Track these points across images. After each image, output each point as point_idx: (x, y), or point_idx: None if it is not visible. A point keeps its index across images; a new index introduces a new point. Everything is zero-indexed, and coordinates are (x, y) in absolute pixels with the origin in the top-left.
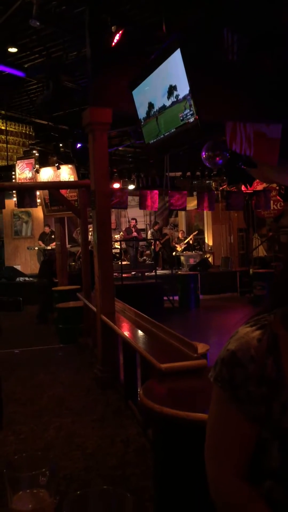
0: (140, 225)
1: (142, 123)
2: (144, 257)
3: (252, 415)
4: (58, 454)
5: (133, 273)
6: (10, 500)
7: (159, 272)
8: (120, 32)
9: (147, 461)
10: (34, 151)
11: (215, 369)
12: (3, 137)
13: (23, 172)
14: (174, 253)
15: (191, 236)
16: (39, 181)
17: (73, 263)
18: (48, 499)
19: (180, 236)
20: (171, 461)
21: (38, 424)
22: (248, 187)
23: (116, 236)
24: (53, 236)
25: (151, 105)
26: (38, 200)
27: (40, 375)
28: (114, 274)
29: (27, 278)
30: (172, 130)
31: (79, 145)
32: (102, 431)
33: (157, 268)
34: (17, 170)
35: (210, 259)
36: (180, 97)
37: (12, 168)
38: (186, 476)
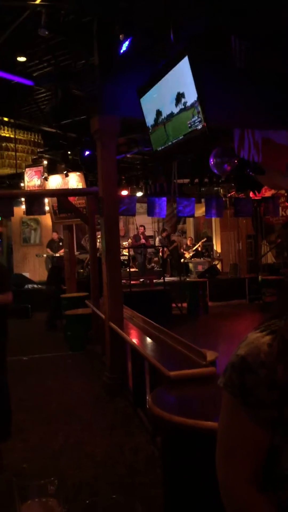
0: (148, 232)
1: (150, 131)
2: (153, 264)
3: (263, 421)
4: (67, 462)
5: (141, 280)
6: (19, 510)
7: (167, 279)
8: (128, 40)
9: (156, 469)
10: (43, 159)
11: (225, 375)
12: (12, 145)
13: (31, 180)
14: (182, 260)
15: (199, 243)
16: (47, 188)
17: (81, 270)
18: (57, 509)
19: (188, 243)
20: (180, 469)
21: (46, 432)
22: (257, 193)
23: (124, 243)
24: (61, 243)
25: (159, 113)
26: (47, 208)
27: (48, 383)
28: (123, 281)
29: (35, 285)
30: (180, 137)
31: (87, 152)
32: (111, 439)
33: (165, 275)
34: (26, 178)
35: (218, 266)
36: (188, 104)
37: (21, 176)
38: (195, 485)
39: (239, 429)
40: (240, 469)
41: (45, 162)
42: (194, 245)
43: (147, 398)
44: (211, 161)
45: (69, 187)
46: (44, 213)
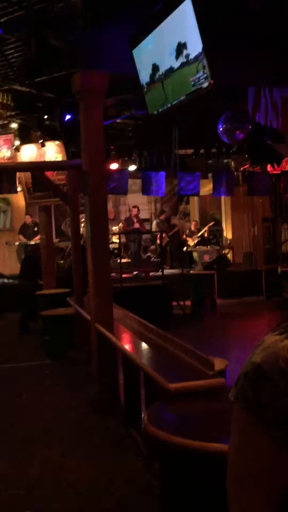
0: (144, 215)
1: (145, 90)
2: (149, 254)
3: (282, 440)
4: (45, 494)
5: (135, 273)
6: None
7: (167, 271)
8: None
9: (152, 502)
10: (13, 125)
11: (237, 387)
12: None
13: (0, 151)
14: (185, 249)
15: (205, 228)
16: (19, 161)
17: (61, 261)
18: None
19: (192, 227)
20: (182, 501)
21: (20, 458)
22: (276, 167)
23: (114, 228)
24: (36, 229)
25: (155, 67)
26: (19, 186)
27: (23, 398)
28: (112, 274)
29: (6, 280)
30: (182, 98)
31: (68, 116)
32: (98, 465)
33: (165, 266)
34: None
35: (229, 256)
36: (191, 57)
37: None
38: None
39: (254, 451)
40: (257, 500)
41: (16, 128)
42: (200, 230)
43: (142, 415)
44: (220, 127)
45: (46, 160)
46: (15, 191)
